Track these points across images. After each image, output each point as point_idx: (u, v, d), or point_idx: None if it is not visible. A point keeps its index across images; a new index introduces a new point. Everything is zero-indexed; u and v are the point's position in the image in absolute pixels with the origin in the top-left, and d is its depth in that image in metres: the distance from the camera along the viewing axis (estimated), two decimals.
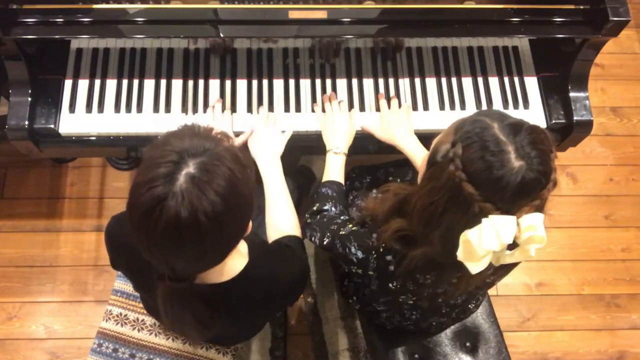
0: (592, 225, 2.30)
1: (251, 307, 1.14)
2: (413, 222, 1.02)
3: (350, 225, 1.23)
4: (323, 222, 1.31)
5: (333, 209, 1.35)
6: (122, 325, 1.51)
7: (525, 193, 0.90)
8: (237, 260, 1.08)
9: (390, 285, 1.17)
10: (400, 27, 1.45)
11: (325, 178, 1.42)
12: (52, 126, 1.47)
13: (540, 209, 0.93)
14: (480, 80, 1.60)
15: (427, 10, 1.42)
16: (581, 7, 1.42)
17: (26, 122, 1.43)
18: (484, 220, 0.89)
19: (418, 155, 1.39)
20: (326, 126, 1.48)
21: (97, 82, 1.52)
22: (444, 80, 1.59)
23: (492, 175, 0.88)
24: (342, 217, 1.31)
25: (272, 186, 1.36)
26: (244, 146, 1.45)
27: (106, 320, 1.52)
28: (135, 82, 1.53)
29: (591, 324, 2.16)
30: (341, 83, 1.57)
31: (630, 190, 2.37)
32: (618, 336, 2.15)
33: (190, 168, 0.84)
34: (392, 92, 1.57)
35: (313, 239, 1.31)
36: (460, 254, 0.94)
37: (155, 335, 1.50)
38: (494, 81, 1.60)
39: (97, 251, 2.12)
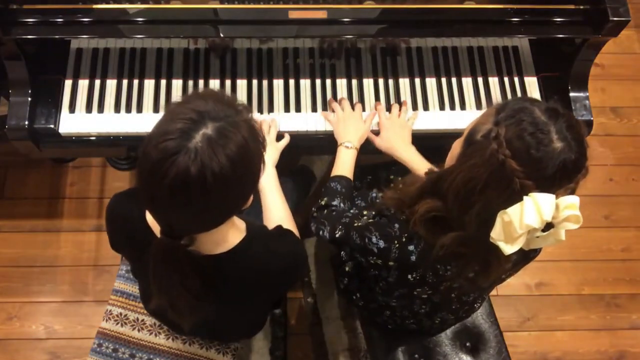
0: (592, 225, 2.30)
1: (245, 284, 1.13)
2: (448, 201, 1.03)
3: (366, 217, 1.23)
4: (332, 216, 1.31)
5: (341, 204, 1.35)
6: (122, 325, 1.51)
7: (564, 174, 0.93)
8: (233, 234, 1.09)
9: (410, 276, 1.17)
10: (400, 27, 1.45)
11: (334, 172, 1.42)
12: (52, 126, 1.47)
13: (573, 193, 0.96)
14: (480, 80, 1.60)
15: (427, 10, 1.42)
16: (581, 7, 1.43)
17: (26, 122, 1.43)
18: (525, 198, 0.92)
19: (418, 165, 1.40)
20: (339, 123, 1.48)
21: (97, 82, 1.52)
22: (444, 80, 1.59)
23: (535, 153, 0.91)
24: (352, 211, 1.31)
25: (269, 196, 1.36)
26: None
27: (106, 320, 1.52)
28: (135, 82, 1.53)
29: (591, 324, 2.16)
30: (341, 83, 1.57)
31: (630, 190, 2.37)
32: (618, 336, 2.15)
33: (208, 129, 0.87)
34: (392, 92, 1.57)
35: (321, 232, 1.31)
36: (495, 233, 0.96)
37: (155, 335, 1.50)
38: (494, 81, 1.60)
39: (97, 251, 2.12)
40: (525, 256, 1.16)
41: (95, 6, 1.36)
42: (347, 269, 1.51)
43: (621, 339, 2.15)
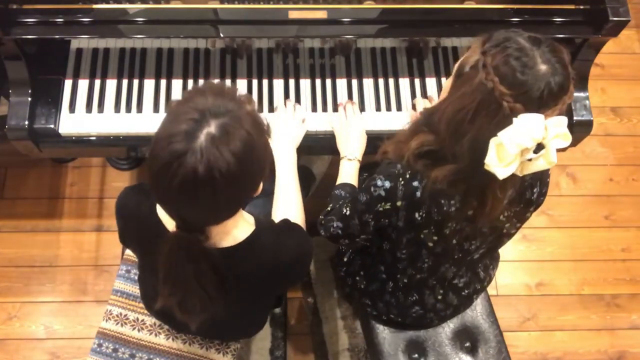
0: (592, 225, 2.30)
1: (254, 277, 1.15)
2: (440, 132, 1.07)
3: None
4: (335, 208, 1.35)
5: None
6: (122, 325, 1.51)
7: (550, 95, 0.97)
8: (243, 228, 1.10)
9: (417, 215, 1.19)
10: (400, 27, 1.45)
11: (339, 182, 1.45)
12: (52, 126, 1.47)
13: (561, 114, 1.00)
14: None
15: (427, 10, 1.42)
16: (581, 7, 1.43)
17: (26, 122, 1.43)
18: (515, 119, 0.95)
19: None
20: (342, 133, 1.50)
21: (97, 82, 1.52)
22: (444, 80, 1.59)
23: (521, 76, 0.95)
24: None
25: (283, 177, 1.38)
26: None
27: (106, 320, 1.52)
28: (135, 82, 1.53)
29: (591, 324, 2.16)
30: (341, 83, 1.57)
31: (630, 190, 2.37)
32: (618, 336, 2.15)
33: (211, 127, 0.88)
34: (392, 92, 1.57)
35: (332, 229, 1.34)
36: (489, 159, 0.99)
37: (155, 335, 1.50)
38: None
39: (97, 251, 2.12)
40: (522, 197, 1.19)
41: (95, 6, 1.36)
42: (345, 259, 1.51)
43: (621, 339, 2.15)
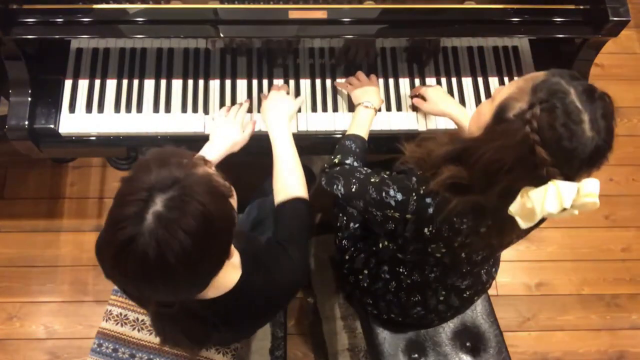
0: (592, 225, 2.30)
1: (249, 316, 1.12)
2: (473, 173, 1.04)
3: (383, 173, 1.24)
4: (346, 170, 1.31)
5: (355, 164, 1.35)
6: (122, 325, 1.51)
7: (591, 163, 0.95)
8: (230, 274, 1.04)
9: (426, 230, 1.17)
10: (400, 27, 1.45)
11: (350, 131, 1.42)
12: (52, 126, 1.47)
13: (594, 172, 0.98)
14: (480, 80, 1.60)
15: (427, 10, 1.42)
16: (581, 7, 1.42)
17: (26, 122, 1.43)
18: (550, 184, 0.93)
19: (466, 119, 1.40)
20: (357, 87, 1.49)
21: (97, 82, 1.52)
22: (443, 80, 1.59)
23: (567, 144, 0.92)
24: (366, 169, 1.31)
25: (279, 148, 1.36)
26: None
27: (106, 320, 1.52)
28: (135, 82, 1.53)
29: (591, 324, 2.16)
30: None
31: (630, 190, 2.37)
32: (618, 336, 2.15)
33: (157, 206, 0.80)
34: (392, 92, 1.57)
35: (335, 187, 1.31)
36: (515, 209, 0.97)
37: (155, 335, 1.49)
38: (494, 81, 1.60)
39: None
40: (538, 223, 1.17)
41: (95, 6, 1.35)
42: (347, 256, 1.51)
43: (621, 339, 2.15)
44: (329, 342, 2.01)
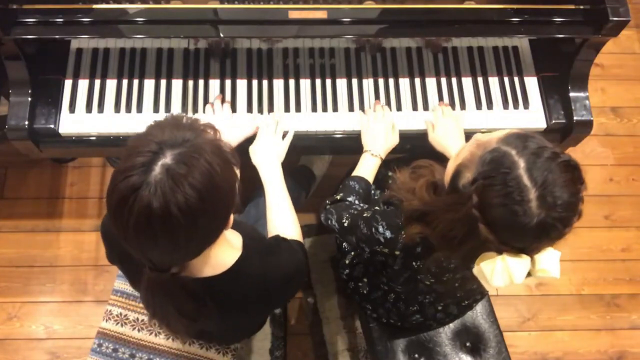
0: (592, 225, 2.30)
1: (244, 303, 1.12)
2: (434, 236, 1.04)
3: (376, 207, 1.24)
4: (343, 207, 1.32)
5: (356, 202, 1.36)
6: (122, 325, 1.51)
7: (542, 238, 0.91)
8: (228, 254, 1.05)
9: (414, 263, 1.18)
10: (400, 27, 1.45)
11: (356, 173, 1.43)
12: (52, 126, 1.47)
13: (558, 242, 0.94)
14: (480, 80, 1.60)
15: (427, 10, 1.42)
16: (581, 7, 1.43)
17: (26, 122, 1.43)
18: (498, 259, 0.90)
19: None
20: (368, 129, 1.48)
21: (97, 82, 1.52)
22: (443, 80, 1.59)
23: (511, 223, 0.88)
24: (362, 205, 1.32)
25: (272, 191, 1.36)
26: (246, 141, 1.45)
27: (106, 320, 1.52)
28: (135, 82, 1.53)
29: (591, 324, 2.16)
30: (341, 83, 1.57)
31: (630, 190, 2.37)
32: (618, 336, 2.15)
33: (167, 159, 0.83)
34: (392, 92, 1.57)
35: (330, 222, 1.32)
36: (475, 272, 0.97)
37: (155, 335, 1.50)
38: (494, 81, 1.60)
39: (97, 251, 2.12)
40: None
41: (95, 6, 1.35)
42: (346, 261, 1.51)
43: (621, 339, 2.15)
44: (329, 342, 2.02)
